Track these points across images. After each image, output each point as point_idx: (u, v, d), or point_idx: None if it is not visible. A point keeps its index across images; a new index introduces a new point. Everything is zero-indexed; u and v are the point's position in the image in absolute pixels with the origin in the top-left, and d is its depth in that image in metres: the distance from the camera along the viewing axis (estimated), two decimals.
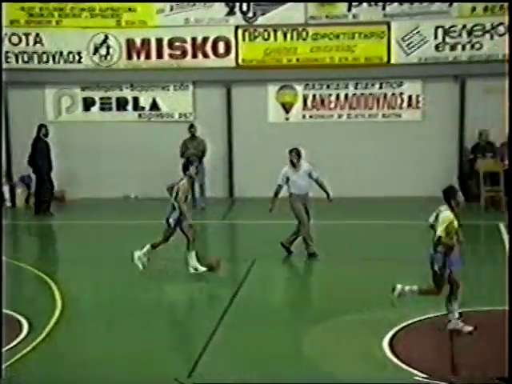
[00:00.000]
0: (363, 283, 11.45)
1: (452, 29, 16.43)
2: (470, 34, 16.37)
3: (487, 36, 16.30)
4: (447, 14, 16.41)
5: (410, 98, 16.91)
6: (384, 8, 16.61)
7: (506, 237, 13.56)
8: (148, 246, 11.70)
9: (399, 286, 9.46)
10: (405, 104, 16.97)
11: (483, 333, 9.30)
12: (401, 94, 16.95)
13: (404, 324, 9.49)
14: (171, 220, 11.57)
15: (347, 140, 16.90)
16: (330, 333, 9.48)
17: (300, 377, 8.15)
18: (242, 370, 8.32)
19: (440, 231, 8.96)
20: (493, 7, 16.14)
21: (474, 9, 16.27)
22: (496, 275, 11.50)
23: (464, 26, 16.36)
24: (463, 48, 16.45)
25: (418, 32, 16.54)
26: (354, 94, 17.13)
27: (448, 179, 16.71)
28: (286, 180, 12.52)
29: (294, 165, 12.57)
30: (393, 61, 16.74)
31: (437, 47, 16.53)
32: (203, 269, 11.59)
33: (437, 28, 16.46)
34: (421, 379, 7.99)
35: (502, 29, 16.23)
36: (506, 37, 16.13)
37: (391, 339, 9.04)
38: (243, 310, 10.35)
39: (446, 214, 9.09)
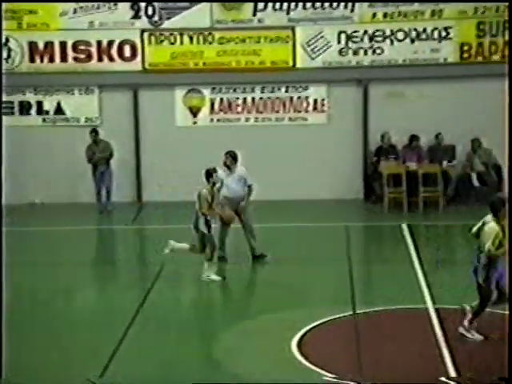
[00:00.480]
0: (275, 286, 11.57)
1: (354, 34, 16.79)
2: (371, 39, 16.78)
3: (388, 41, 16.75)
4: (350, 19, 16.76)
5: (315, 101, 17.18)
6: (288, 13, 16.84)
7: (408, 237, 13.97)
8: (186, 246, 11.83)
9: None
10: (310, 107, 17.23)
11: (391, 332, 9.54)
12: (306, 97, 17.21)
13: (313, 324, 9.64)
14: (202, 226, 11.54)
15: (255, 143, 17.01)
16: (239, 335, 9.54)
17: (204, 379, 8.18)
18: (149, 373, 8.31)
19: (488, 244, 8.78)
20: (392, 13, 16.59)
21: (374, 15, 16.68)
22: (399, 275, 11.83)
23: (365, 32, 16.75)
24: (365, 53, 16.83)
25: (322, 37, 16.83)
26: (261, 98, 17.28)
27: (353, 181, 17.18)
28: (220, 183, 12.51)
29: (229, 168, 12.60)
30: (298, 65, 16.98)
31: (340, 52, 16.87)
32: (218, 278, 11.66)
33: (340, 33, 16.79)
34: (329, 379, 8.13)
35: (400, 35, 16.71)
36: (406, 42, 16.62)
37: (300, 340, 9.16)
38: (154, 314, 10.32)
39: (491, 226, 8.89)
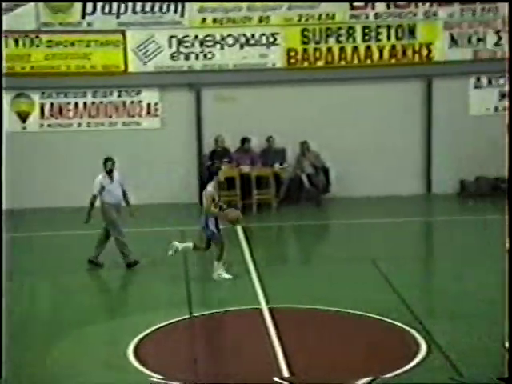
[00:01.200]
0: (112, 291, 11.43)
1: (185, 39, 16.90)
2: (202, 44, 16.95)
3: (218, 46, 16.97)
4: (180, 24, 16.85)
5: (148, 106, 17.13)
6: (118, 17, 16.68)
7: (242, 239, 14.22)
8: (190, 245, 11.89)
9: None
10: (144, 112, 17.16)
11: (226, 333, 9.67)
12: (139, 102, 17.12)
13: (151, 329, 9.60)
14: (212, 226, 11.55)
15: (88, 149, 16.71)
16: (76, 342, 9.35)
17: None
18: None
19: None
20: (221, 19, 16.84)
21: (204, 20, 16.87)
22: (234, 276, 11.99)
23: (196, 37, 16.90)
24: (197, 57, 16.99)
25: (154, 41, 16.82)
26: (93, 103, 17.01)
27: (188, 185, 17.28)
28: (101, 189, 12.26)
29: (110, 174, 12.40)
30: (130, 69, 16.86)
31: (172, 56, 16.92)
32: (228, 276, 11.64)
33: (171, 38, 16.85)
34: (154, 380, 8.12)
35: (230, 40, 16.98)
36: (236, 47, 16.91)
37: (137, 345, 9.10)
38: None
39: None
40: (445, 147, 17.02)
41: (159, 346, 9.29)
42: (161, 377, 8.15)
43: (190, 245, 12.02)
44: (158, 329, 9.64)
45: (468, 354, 8.64)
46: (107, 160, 12.59)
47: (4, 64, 15.80)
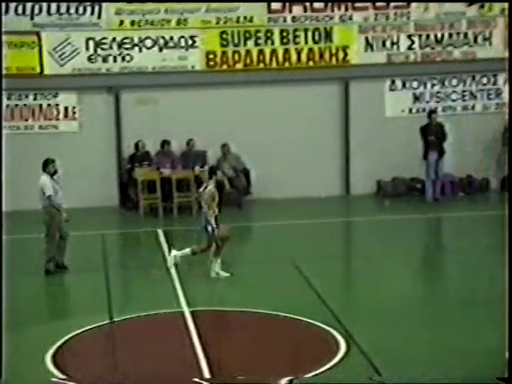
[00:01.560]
0: (36, 297, 11.22)
1: (103, 41, 16.69)
2: (120, 46, 16.78)
3: (136, 49, 16.83)
4: (97, 26, 16.64)
5: (66, 109, 16.86)
6: (32, 18, 16.35)
7: (164, 242, 14.16)
8: (188, 251, 11.82)
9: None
10: (61, 115, 16.88)
11: (148, 337, 9.62)
12: (57, 105, 16.83)
13: (71, 335, 9.47)
14: (213, 224, 11.56)
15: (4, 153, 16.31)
16: None
17: None
18: None
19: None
20: (139, 21, 16.69)
21: (121, 22, 16.69)
22: (155, 280, 11.95)
23: (114, 39, 16.71)
24: (115, 60, 16.80)
25: (70, 43, 16.55)
26: (8, 106, 16.63)
27: (108, 189, 17.08)
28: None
29: (54, 175, 12.28)
30: (46, 71, 16.55)
31: (89, 59, 16.68)
32: (226, 274, 11.65)
33: (88, 40, 16.61)
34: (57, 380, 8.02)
35: (149, 42, 16.86)
36: (155, 49, 16.81)
37: (56, 351, 8.97)
38: None
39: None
40: (362, 148, 17.32)
41: (77, 352, 9.18)
42: (63, 376, 8.05)
43: (188, 251, 11.97)
44: (76, 335, 9.52)
45: (387, 352, 8.81)
46: (49, 161, 12.37)
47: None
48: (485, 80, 17.53)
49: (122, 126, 17.12)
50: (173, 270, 12.21)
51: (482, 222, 15.38)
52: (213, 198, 11.74)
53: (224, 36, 16.95)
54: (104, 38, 16.65)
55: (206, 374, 8.30)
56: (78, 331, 9.60)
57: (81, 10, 16.46)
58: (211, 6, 16.70)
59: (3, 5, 16.00)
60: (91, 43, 16.63)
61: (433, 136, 16.60)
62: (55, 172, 12.40)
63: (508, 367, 7.22)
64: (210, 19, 16.83)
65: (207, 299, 10.87)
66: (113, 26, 16.68)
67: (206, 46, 16.95)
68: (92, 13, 16.50)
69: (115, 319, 10.09)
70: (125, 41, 16.74)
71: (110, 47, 16.72)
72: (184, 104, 16.94)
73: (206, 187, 11.89)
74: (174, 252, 12.04)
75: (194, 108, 16.95)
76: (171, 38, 16.84)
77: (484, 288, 11.17)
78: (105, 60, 16.72)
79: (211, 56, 17.00)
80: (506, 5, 16.88)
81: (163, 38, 16.82)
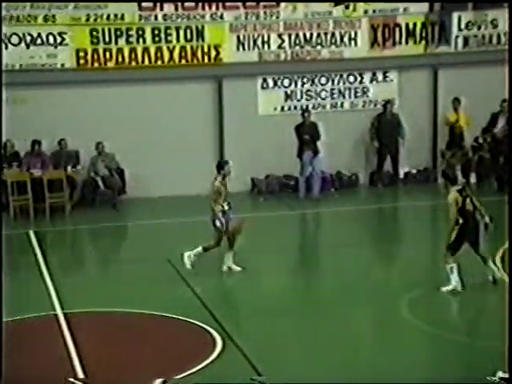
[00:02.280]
0: None
1: None
2: None
3: (2, 46, 16.09)
4: None
5: None
6: None
7: (35, 244, 13.84)
8: (199, 249, 11.66)
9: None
10: None
11: (22, 340, 9.37)
12: None
13: None
14: (221, 218, 11.50)
15: None
16: None
17: None
18: None
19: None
20: (4, 17, 16.06)
21: None
22: (28, 283, 11.66)
23: None
24: None
25: None
26: None
27: None
28: None
29: None
30: None
31: None
32: (238, 268, 11.73)
33: None
34: None
35: (15, 39, 16.26)
36: (22, 46, 16.30)
37: None
38: None
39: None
40: (237, 146, 17.48)
41: None
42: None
43: (200, 249, 11.79)
44: None
45: (264, 351, 8.94)
46: None
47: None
48: (352, 78, 18.08)
49: None
50: (45, 272, 11.96)
51: (352, 217, 15.86)
52: (219, 192, 11.67)
53: (94, 33, 16.68)
54: None
55: (80, 375, 8.21)
56: None
57: None
58: (80, 4, 16.40)
59: None
60: None
61: (307, 135, 16.95)
62: None
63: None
64: (80, 16, 16.53)
65: (83, 300, 10.69)
66: None
67: (76, 44, 16.63)
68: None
69: None
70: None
71: None
72: (55, 103, 16.56)
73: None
74: (186, 253, 11.85)
75: (66, 107, 16.62)
76: (39, 35, 16.41)
77: (360, 278, 11.50)
78: None
79: (82, 54, 16.69)
80: (370, 6, 17.46)
81: (30, 34, 16.36)
